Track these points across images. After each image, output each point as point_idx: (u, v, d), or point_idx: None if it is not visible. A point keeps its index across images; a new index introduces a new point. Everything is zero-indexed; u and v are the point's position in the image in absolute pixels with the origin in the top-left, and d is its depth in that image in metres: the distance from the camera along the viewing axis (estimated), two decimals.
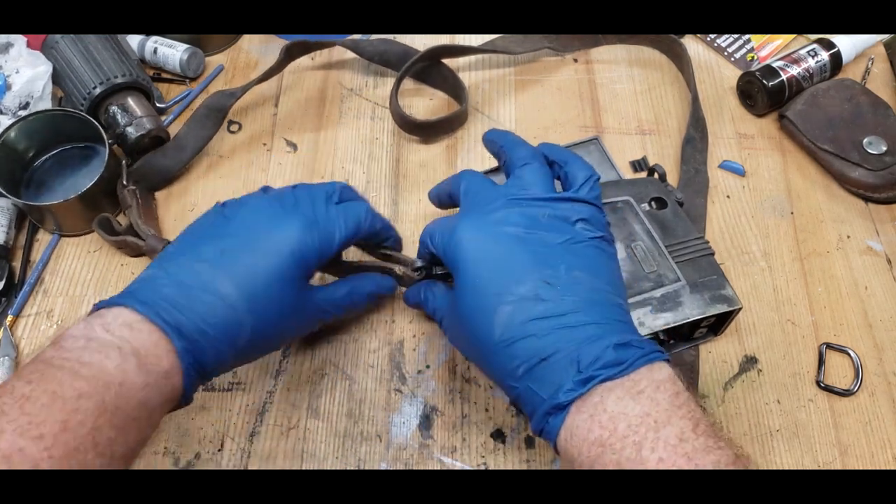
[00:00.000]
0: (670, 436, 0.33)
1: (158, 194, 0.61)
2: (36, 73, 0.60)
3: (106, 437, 0.33)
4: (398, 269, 0.50)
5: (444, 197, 0.49)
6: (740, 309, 0.48)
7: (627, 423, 0.34)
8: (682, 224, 0.51)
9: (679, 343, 0.51)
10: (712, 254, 0.49)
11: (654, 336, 0.47)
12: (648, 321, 0.47)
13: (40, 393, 0.32)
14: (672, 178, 0.60)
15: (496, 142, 0.48)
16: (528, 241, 0.39)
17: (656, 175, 0.54)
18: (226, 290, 0.39)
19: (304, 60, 0.67)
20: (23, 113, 0.59)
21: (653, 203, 0.52)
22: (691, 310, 0.47)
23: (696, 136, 0.62)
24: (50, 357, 0.35)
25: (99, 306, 0.38)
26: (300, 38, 0.64)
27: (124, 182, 0.57)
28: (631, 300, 0.47)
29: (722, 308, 0.47)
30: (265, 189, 0.47)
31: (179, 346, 0.37)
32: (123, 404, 0.34)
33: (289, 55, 0.64)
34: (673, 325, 0.46)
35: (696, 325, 0.49)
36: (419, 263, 0.48)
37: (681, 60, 0.66)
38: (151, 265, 0.42)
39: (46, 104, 0.61)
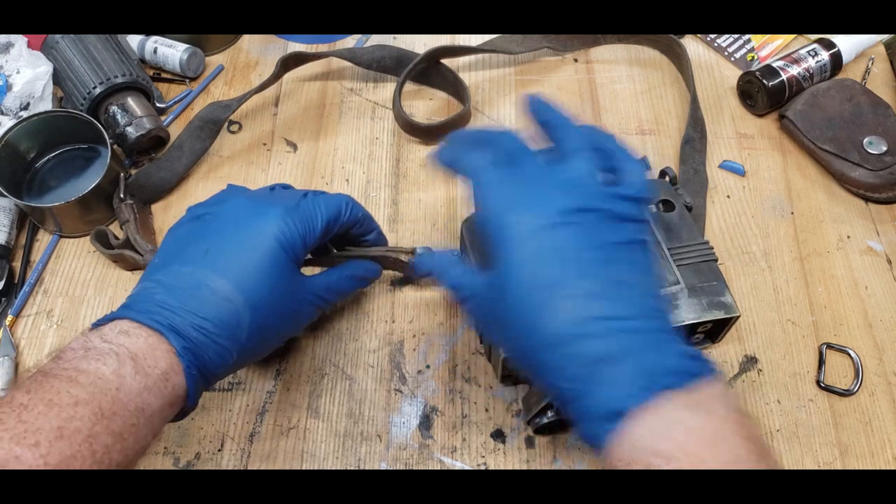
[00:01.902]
0: (725, 450, 0.32)
1: (161, 199, 0.61)
2: (36, 73, 0.60)
3: (102, 444, 0.33)
4: (403, 256, 0.50)
5: (467, 153, 0.42)
6: (738, 317, 0.47)
7: (686, 435, 0.32)
8: (688, 228, 0.50)
9: None
10: (715, 259, 0.49)
11: None
12: None
13: (37, 401, 0.32)
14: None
15: (543, 115, 0.42)
16: (586, 236, 0.36)
17: (667, 178, 0.53)
18: (216, 285, 0.39)
19: (304, 52, 0.67)
20: (24, 114, 0.59)
21: (660, 205, 0.51)
22: (687, 314, 0.46)
23: (695, 137, 0.62)
24: (49, 368, 0.35)
25: (96, 324, 0.39)
26: (296, 52, 0.64)
27: (121, 196, 0.57)
28: None
29: (719, 314, 0.46)
30: (231, 187, 0.47)
31: (178, 345, 0.37)
32: (121, 410, 0.34)
33: (284, 67, 0.64)
34: None
35: (692, 330, 0.49)
36: (420, 250, 0.48)
37: (680, 60, 0.66)
38: (140, 281, 0.42)
39: (47, 105, 0.61)
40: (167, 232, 0.44)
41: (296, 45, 0.70)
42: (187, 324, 0.38)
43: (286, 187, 0.48)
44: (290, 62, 0.65)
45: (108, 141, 0.57)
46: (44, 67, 0.60)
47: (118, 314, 0.38)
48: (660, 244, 0.49)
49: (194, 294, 0.39)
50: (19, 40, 0.63)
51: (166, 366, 0.37)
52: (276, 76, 0.64)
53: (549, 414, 0.46)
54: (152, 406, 0.36)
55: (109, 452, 0.34)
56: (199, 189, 0.61)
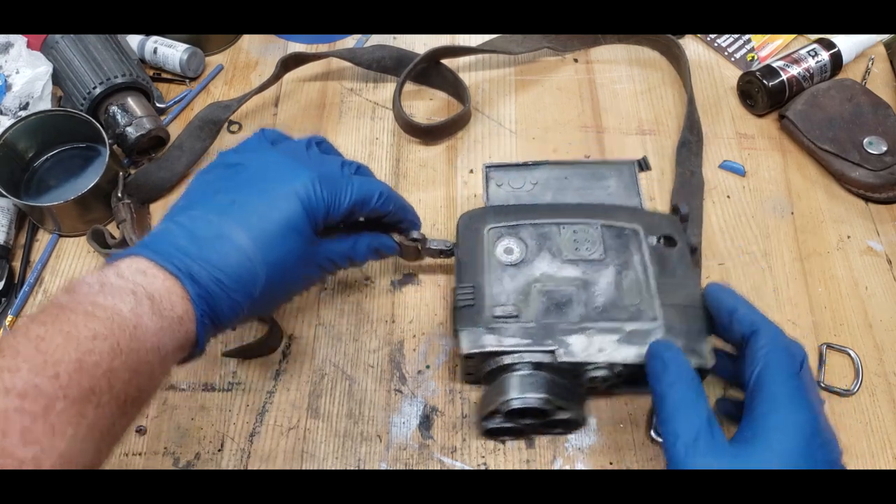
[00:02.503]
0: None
1: (159, 199, 0.61)
2: (36, 73, 0.60)
3: (121, 380, 0.33)
4: (395, 237, 0.49)
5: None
6: (710, 370, 0.44)
7: None
8: (684, 269, 0.48)
9: (641, 387, 0.45)
10: (705, 309, 0.45)
11: (610, 368, 0.44)
12: (610, 349, 0.44)
13: (55, 333, 0.32)
14: (668, 179, 0.60)
15: (727, 307, 0.42)
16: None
17: (678, 214, 0.51)
18: (239, 240, 0.39)
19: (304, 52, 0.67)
20: (23, 113, 0.59)
21: (661, 239, 0.49)
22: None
23: (691, 140, 0.62)
24: (64, 301, 0.34)
25: (112, 258, 0.38)
26: (296, 52, 0.65)
27: (119, 195, 0.57)
28: (599, 324, 0.45)
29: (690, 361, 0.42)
30: (264, 134, 0.46)
31: (193, 293, 0.37)
32: (138, 347, 0.34)
33: (284, 67, 0.64)
34: (632, 362, 0.43)
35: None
36: (416, 234, 0.49)
37: (679, 62, 0.66)
38: (163, 220, 0.41)
39: (46, 104, 0.61)
40: (196, 174, 0.44)
41: (296, 45, 0.70)
42: (205, 274, 0.38)
43: (321, 142, 0.47)
44: (290, 62, 0.65)
45: (107, 140, 0.57)
46: (43, 67, 0.61)
47: (136, 251, 0.38)
48: (649, 278, 0.47)
49: (215, 245, 0.38)
50: (19, 40, 0.63)
51: (181, 311, 0.37)
52: (276, 77, 0.64)
53: (497, 419, 0.46)
54: (167, 347, 0.36)
55: (127, 388, 0.33)
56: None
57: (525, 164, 0.55)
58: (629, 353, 0.43)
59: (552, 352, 0.44)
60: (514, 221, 0.50)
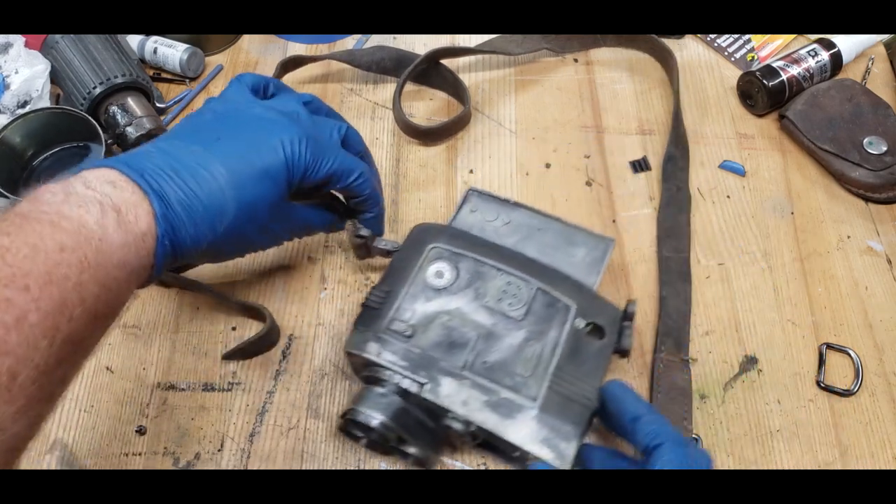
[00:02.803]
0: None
1: None
2: (34, 71, 0.60)
3: (91, 293, 0.32)
4: (349, 227, 0.50)
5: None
6: (562, 471, 0.41)
7: None
8: (595, 365, 0.44)
9: (499, 455, 0.44)
10: (592, 411, 0.43)
11: (467, 426, 0.42)
12: (473, 406, 0.42)
13: (21, 244, 0.31)
14: (654, 191, 0.60)
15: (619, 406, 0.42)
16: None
17: (626, 312, 0.47)
18: (216, 172, 0.39)
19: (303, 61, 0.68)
20: (21, 111, 0.59)
21: (590, 325, 0.45)
22: (515, 432, 0.41)
23: (676, 154, 0.61)
24: (27, 210, 0.33)
25: (79, 168, 0.37)
26: (295, 55, 0.65)
27: None
28: (478, 379, 0.43)
29: (540, 453, 0.41)
30: (241, 80, 0.46)
31: (159, 211, 0.36)
32: (104, 261, 0.33)
33: (283, 70, 0.65)
34: (487, 428, 0.42)
35: (514, 449, 0.42)
36: (364, 232, 0.49)
37: (671, 73, 0.66)
38: (145, 145, 0.41)
39: (45, 103, 0.61)
40: (184, 117, 0.44)
41: (296, 45, 0.70)
42: (174, 194, 0.37)
43: (310, 101, 0.47)
44: (290, 65, 0.65)
45: (103, 138, 0.57)
46: (41, 66, 0.60)
47: (107, 163, 0.37)
48: (551, 360, 0.44)
49: (193, 172, 0.38)
50: (18, 40, 0.63)
51: (145, 226, 0.36)
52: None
53: (348, 422, 0.44)
54: (131, 263, 0.35)
55: (97, 302, 0.33)
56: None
57: (507, 201, 0.53)
58: (488, 419, 0.42)
59: (422, 384, 0.43)
60: (460, 250, 0.48)
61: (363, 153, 0.49)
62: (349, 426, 0.44)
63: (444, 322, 0.45)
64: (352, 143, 0.48)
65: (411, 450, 0.44)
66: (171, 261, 0.39)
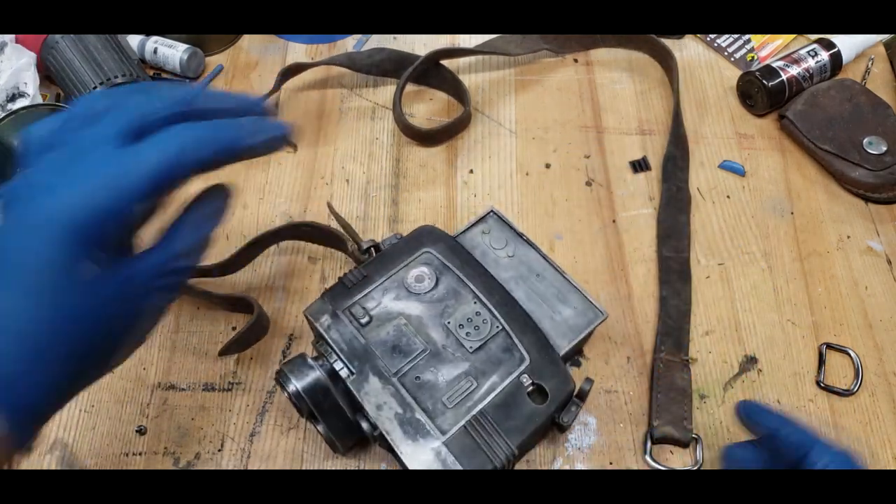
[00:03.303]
0: None
1: None
2: (19, 64, 0.60)
3: None
4: (350, 245, 0.49)
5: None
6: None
7: None
8: (521, 428, 0.42)
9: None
10: (494, 469, 0.40)
11: (373, 429, 0.42)
12: (385, 413, 0.42)
13: None
14: (654, 191, 0.60)
15: (761, 422, 0.42)
16: None
17: (581, 391, 0.45)
18: None
19: (303, 61, 0.67)
20: (11, 106, 0.59)
21: (534, 386, 0.43)
22: (410, 453, 0.40)
23: (676, 154, 0.61)
24: None
25: None
26: (296, 63, 0.65)
27: None
28: (402, 391, 0.42)
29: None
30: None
31: None
32: None
33: (284, 77, 0.65)
34: (388, 438, 0.41)
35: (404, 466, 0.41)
36: (365, 245, 0.49)
37: (671, 74, 0.66)
38: None
39: (38, 100, 0.60)
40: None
41: (296, 45, 0.70)
42: None
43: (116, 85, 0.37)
44: (290, 72, 0.65)
45: None
46: (26, 59, 0.60)
47: None
48: (481, 400, 0.42)
49: None
50: (10, 40, 0.63)
51: None
52: (276, 88, 0.64)
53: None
54: None
55: None
56: (197, 188, 0.61)
57: (521, 235, 0.51)
58: (392, 431, 0.41)
59: (351, 374, 0.43)
60: (450, 264, 0.47)
61: (188, 114, 0.34)
62: (280, 379, 0.45)
63: (400, 325, 0.45)
64: (145, 90, 0.35)
65: (320, 427, 0.45)
66: (31, 432, 0.30)
